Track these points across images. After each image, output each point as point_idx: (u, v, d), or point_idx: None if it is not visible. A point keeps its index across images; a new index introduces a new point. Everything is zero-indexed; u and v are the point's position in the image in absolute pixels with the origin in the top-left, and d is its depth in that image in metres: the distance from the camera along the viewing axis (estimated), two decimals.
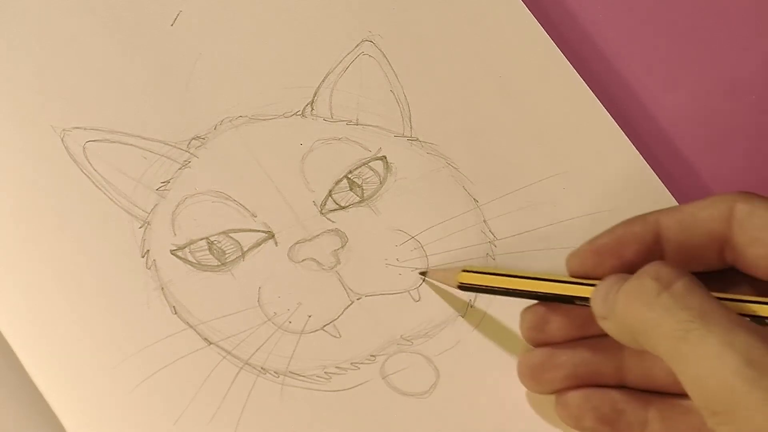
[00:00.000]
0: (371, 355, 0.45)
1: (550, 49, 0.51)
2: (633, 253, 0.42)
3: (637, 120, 0.52)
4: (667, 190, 0.49)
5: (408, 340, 0.45)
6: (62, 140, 0.47)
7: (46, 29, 0.49)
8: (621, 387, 0.43)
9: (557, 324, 0.43)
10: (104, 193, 0.46)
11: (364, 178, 0.48)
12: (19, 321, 0.44)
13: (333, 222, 0.47)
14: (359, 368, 0.45)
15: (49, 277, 0.45)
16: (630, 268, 0.40)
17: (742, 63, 0.53)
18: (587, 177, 0.49)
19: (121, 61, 0.49)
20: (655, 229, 0.42)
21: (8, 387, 0.43)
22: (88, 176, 0.46)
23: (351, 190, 0.47)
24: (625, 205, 0.48)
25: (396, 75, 0.50)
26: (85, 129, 0.47)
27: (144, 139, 0.47)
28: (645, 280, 0.38)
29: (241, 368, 0.44)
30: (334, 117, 0.49)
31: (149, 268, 0.45)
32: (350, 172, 0.48)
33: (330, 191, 0.47)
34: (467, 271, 0.44)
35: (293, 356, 0.44)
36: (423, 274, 0.46)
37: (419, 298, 0.46)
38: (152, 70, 0.49)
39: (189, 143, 0.47)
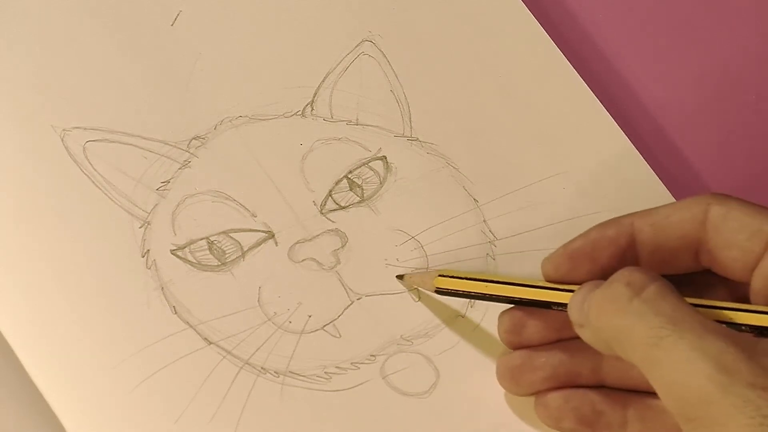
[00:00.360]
0: (371, 355, 0.45)
1: (550, 49, 0.51)
2: (608, 256, 0.42)
3: (637, 120, 0.52)
4: (666, 190, 0.49)
5: (408, 340, 0.45)
6: (62, 140, 0.47)
7: (46, 29, 0.49)
8: (600, 387, 0.43)
9: (534, 327, 0.43)
10: (104, 193, 0.46)
11: (364, 178, 0.48)
12: (19, 321, 0.44)
13: (333, 222, 0.47)
14: (359, 368, 0.45)
15: (49, 277, 0.45)
16: (605, 272, 0.41)
17: (743, 63, 0.53)
18: (587, 177, 0.49)
19: (121, 61, 0.49)
20: (630, 231, 0.42)
21: (8, 387, 0.43)
22: (88, 176, 0.46)
23: (351, 190, 0.47)
24: (625, 205, 0.48)
25: (396, 75, 0.50)
26: (85, 129, 0.47)
27: (144, 139, 0.47)
28: (616, 286, 0.38)
29: (241, 368, 0.44)
30: (334, 117, 0.49)
31: (149, 268, 0.45)
32: (350, 172, 0.48)
33: (330, 191, 0.47)
34: (444, 276, 0.44)
35: (293, 356, 0.44)
36: (400, 277, 0.46)
37: (419, 298, 0.46)
38: (152, 70, 0.49)
39: (189, 143, 0.47)
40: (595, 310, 0.39)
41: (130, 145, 0.47)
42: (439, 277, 0.44)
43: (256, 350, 0.44)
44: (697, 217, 0.41)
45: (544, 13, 0.52)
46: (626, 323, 0.37)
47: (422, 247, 0.47)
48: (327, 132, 0.48)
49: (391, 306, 0.46)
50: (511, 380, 0.43)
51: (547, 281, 0.42)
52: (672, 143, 0.52)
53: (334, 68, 0.49)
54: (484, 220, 0.48)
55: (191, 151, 0.47)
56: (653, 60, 0.53)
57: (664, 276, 0.39)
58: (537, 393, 0.43)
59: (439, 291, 0.44)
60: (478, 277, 0.43)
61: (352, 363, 0.45)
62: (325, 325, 0.45)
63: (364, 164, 0.48)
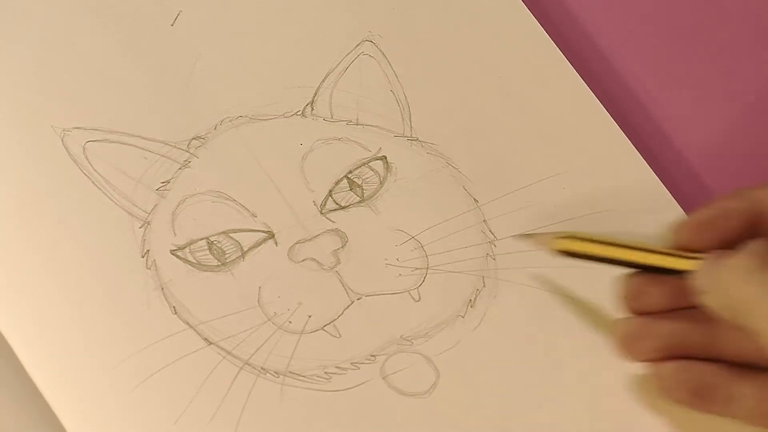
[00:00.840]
0: (371, 355, 0.45)
1: (550, 49, 0.51)
2: (734, 228, 0.42)
3: (636, 120, 0.52)
4: (666, 190, 0.49)
5: (408, 340, 0.45)
6: (62, 140, 0.47)
7: (46, 29, 0.49)
8: (715, 361, 0.43)
9: (654, 294, 0.43)
10: (104, 193, 0.46)
11: (364, 178, 0.48)
12: (19, 321, 0.44)
13: (333, 222, 0.47)
14: (359, 368, 0.45)
15: (49, 277, 0.45)
16: (730, 243, 0.41)
17: (742, 63, 0.53)
18: (587, 177, 0.49)
19: (121, 61, 0.49)
20: (756, 205, 0.42)
21: (8, 387, 0.43)
22: (88, 176, 0.46)
23: (351, 190, 0.47)
24: (625, 206, 0.48)
25: (396, 75, 0.50)
26: (85, 129, 0.47)
27: (144, 139, 0.47)
28: (747, 257, 0.39)
29: (241, 368, 0.44)
30: (334, 117, 0.49)
31: (149, 268, 0.45)
32: (350, 172, 0.48)
33: (330, 191, 0.47)
34: (567, 237, 0.44)
35: (293, 356, 0.44)
36: (527, 236, 0.45)
37: (419, 298, 0.46)
38: (152, 70, 0.49)
39: (189, 143, 0.47)
40: (724, 278, 0.39)
41: (130, 145, 0.47)
42: (563, 239, 0.43)
43: (256, 350, 0.44)
44: None
45: (544, 13, 0.52)
46: (756, 292, 0.38)
47: (422, 247, 0.47)
48: (327, 132, 0.48)
49: (391, 306, 0.46)
50: (627, 346, 0.43)
51: (674, 248, 0.43)
52: (672, 143, 0.52)
53: (334, 68, 0.49)
54: (484, 220, 0.48)
55: (191, 152, 0.47)
56: (653, 60, 0.53)
57: None
58: (651, 361, 0.43)
59: (562, 253, 0.44)
60: (603, 240, 0.43)
61: (352, 363, 0.45)
62: (325, 325, 0.45)
63: (364, 164, 0.48)
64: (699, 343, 0.43)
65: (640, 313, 0.43)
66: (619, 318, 0.44)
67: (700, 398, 0.42)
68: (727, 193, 0.43)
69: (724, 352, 0.43)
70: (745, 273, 0.38)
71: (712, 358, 0.43)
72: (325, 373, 0.44)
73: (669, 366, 0.42)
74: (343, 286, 0.46)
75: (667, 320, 0.43)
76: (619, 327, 0.44)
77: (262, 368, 0.44)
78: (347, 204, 0.47)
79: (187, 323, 0.45)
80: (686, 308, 0.42)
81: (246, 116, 0.48)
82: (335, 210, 0.47)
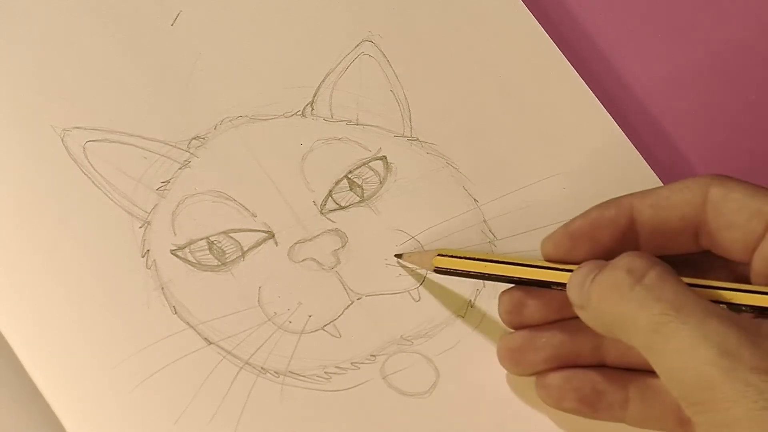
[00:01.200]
0: (371, 355, 0.45)
1: (550, 49, 0.51)
2: (607, 236, 0.42)
3: (636, 120, 0.52)
4: None
5: (408, 340, 0.45)
6: (62, 140, 0.47)
7: (46, 29, 0.49)
8: (600, 367, 0.43)
9: (535, 307, 0.43)
10: (104, 193, 0.46)
11: (364, 178, 0.48)
12: (19, 321, 0.44)
13: (333, 222, 0.47)
14: (359, 368, 0.45)
15: (49, 277, 0.45)
16: (605, 252, 0.41)
17: (743, 62, 0.53)
18: (587, 177, 0.49)
19: (121, 61, 0.48)
20: (630, 212, 0.42)
21: (8, 387, 0.43)
22: (88, 176, 0.46)
23: (351, 190, 0.47)
24: None
25: (396, 75, 0.50)
26: (85, 129, 0.47)
27: (144, 139, 0.47)
28: (618, 273, 0.38)
29: (241, 368, 0.44)
30: (334, 117, 0.49)
31: (149, 268, 0.45)
32: (350, 172, 0.48)
33: (330, 191, 0.47)
34: (443, 255, 0.44)
35: (293, 356, 0.44)
36: (398, 256, 0.46)
37: (419, 298, 0.46)
38: (152, 70, 0.49)
39: (189, 143, 0.47)
40: (596, 295, 0.39)
41: (130, 145, 0.47)
42: (438, 257, 0.44)
43: (256, 350, 0.44)
44: (696, 198, 0.40)
45: (544, 13, 0.52)
46: (628, 310, 0.37)
47: (422, 247, 0.47)
48: (327, 132, 0.48)
49: (391, 306, 0.46)
50: (512, 361, 0.43)
51: (547, 261, 0.42)
52: (672, 143, 0.52)
53: (334, 68, 0.49)
54: (484, 220, 0.48)
55: (191, 151, 0.47)
56: (653, 60, 0.53)
57: (664, 257, 0.39)
58: (538, 373, 0.43)
59: (438, 270, 0.44)
60: (477, 257, 0.43)
61: (352, 363, 0.45)
62: (325, 325, 0.45)
63: (364, 164, 0.48)
64: (585, 351, 0.43)
65: (524, 326, 0.43)
66: (503, 334, 0.44)
67: (587, 406, 0.42)
68: (601, 203, 0.42)
69: (609, 358, 0.43)
70: (615, 290, 0.38)
71: (599, 365, 0.43)
72: (325, 373, 0.44)
73: (555, 376, 0.43)
74: (343, 286, 0.46)
75: (550, 331, 0.43)
76: (502, 342, 0.44)
77: (262, 368, 0.44)
78: (347, 204, 0.47)
79: (187, 323, 0.44)
80: (572, 318, 0.42)
81: (246, 116, 0.48)
82: (335, 210, 0.47)
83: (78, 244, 0.45)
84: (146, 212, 0.46)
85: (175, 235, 0.46)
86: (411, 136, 0.49)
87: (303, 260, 0.46)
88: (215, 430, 0.43)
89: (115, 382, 0.43)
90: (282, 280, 0.45)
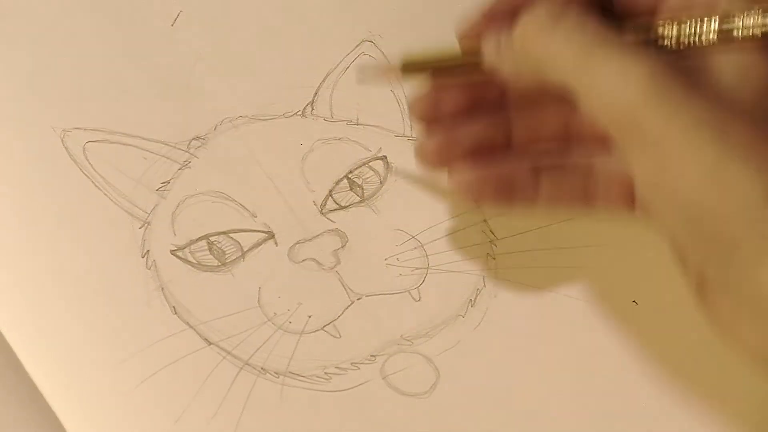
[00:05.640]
0: (371, 355, 0.45)
1: None
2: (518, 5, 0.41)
3: None
4: None
5: (408, 340, 0.45)
6: (62, 141, 0.47)
7: (47, 29, 0.49)
8: (513, 159, 0.43)
9: (448, 98, 0.43)
10: (104, 194, 0.46)
11: (364, 178, 0.48)
12: (19, 321, 0.44)
13: (333, 222, 0.47)
14: (359, 368, 0.45)
15: (49, 276, 0.45)
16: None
17: None
18: None
19: (121, 61, 0.49)
20: None
21: (8, 387, 0.43)
22: (88, 176, 0.46)
23: (351, 190, 0.47)
24: None
25: None
26: (85, 129, 0.47)
27: (144, 139, 0.47)
28: (540, 13, 0.38)
29: (241, 368, 0.44)
30: (334, 117, 0.49)
31: (149, 268, 0.45)
32: (350, 171, 0.48)
33: (330, 191, 0.47)
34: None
35: (293, 356, 0.44)
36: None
37: (419, 298, 0.46)
38: (152, 71, 0.49)
39: (189, 143, 0.47)
40: (520, 37, 0.39)
41: (130, 145, 0.47)
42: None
43: (256, 351, 0.44)
44: None
45: None
46: (556, 40, 0.37)
47: (422, 246, 0.47)
48: (327, 132, 0.48)
49: (391, 306, 0.46)
50: (430, 157, 0.43)
51: (465, 49, 0.42)
52: None
53: (335, 68, 0.49)
54: (484, 220, 0.48)
55: (191, 152, 0.47)
56: None
57: None
58: (453, 166, 0.43)
59: (404, 69, 0.43)
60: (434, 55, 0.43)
61: (352, 363, 0.45)
62: (325, 326, 0.45)
63: (364, 164, 0.48)
64: (498, 142, 0.43)
65: (438, 123, 0.43)
66: (419, 131, 0.44)
67: (503, 195, 0.43)
68: None
69: (520, 143, 0.43)
70: (541, 26, 0.38)
71: (511, 155, 0.43)
72: (325, 373, 0.44)
73: (471, 170, 0.43)
74: (343, 286, 0.46)
75: (464, 126, 0.43)
76: (420, 143, 0.44)
77: (262, 368, 0.44)
78: (347, 204, 0.47)
79: (187, 323, 0.45)
80: (483, 113, 0.43)
81: (246, 116, 0.48)
82: (335, 210, 0.47)
83: (78, 244, 0.45)
84: (146, 213, 0.46)
85: (175, 235, 0.46)
86: (411, 136, 0.49)
87: (303, 260, 0.46)
88: (215, 430, 0.43)
89: (115, 381, 0.43)
90: (282, 280, 0.45)
